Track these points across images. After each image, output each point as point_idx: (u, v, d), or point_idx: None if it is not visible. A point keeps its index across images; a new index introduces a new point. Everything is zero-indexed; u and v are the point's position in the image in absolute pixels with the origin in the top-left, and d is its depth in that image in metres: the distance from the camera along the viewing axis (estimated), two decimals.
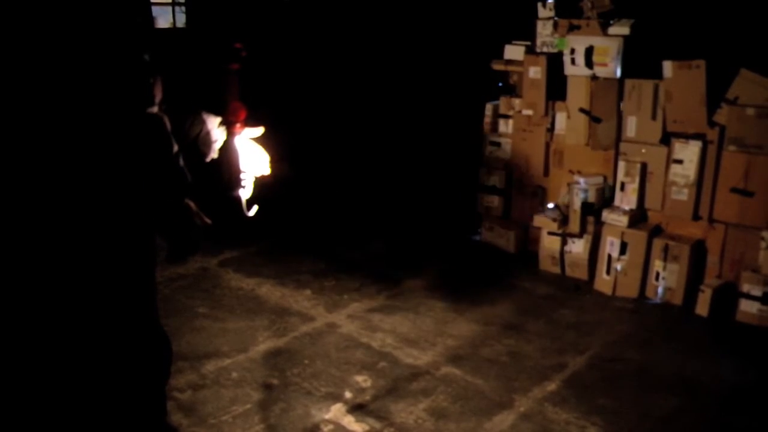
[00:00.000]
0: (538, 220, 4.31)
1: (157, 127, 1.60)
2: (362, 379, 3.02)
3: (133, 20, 1.55)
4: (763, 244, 3.55)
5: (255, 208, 1.87)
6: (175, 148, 1.66)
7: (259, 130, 1.87)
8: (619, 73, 3.96)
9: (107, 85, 1.49)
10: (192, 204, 1.78)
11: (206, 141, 1.86)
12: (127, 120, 1.52)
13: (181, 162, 1.69)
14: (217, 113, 1.86)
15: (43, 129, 1.46)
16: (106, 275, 1.62)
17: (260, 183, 1.89)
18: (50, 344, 1.63)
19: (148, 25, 1.64)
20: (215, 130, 1.87)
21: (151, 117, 1.57)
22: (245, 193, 1.85)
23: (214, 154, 1.88)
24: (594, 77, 4.07)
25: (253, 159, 1.88)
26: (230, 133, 1.82)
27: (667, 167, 3.84)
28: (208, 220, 1.82)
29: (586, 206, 4.05)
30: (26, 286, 1.56)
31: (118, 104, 1.51)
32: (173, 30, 7.39)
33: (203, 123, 1.86)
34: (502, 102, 4.68)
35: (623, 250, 3.89)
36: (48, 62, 1.44)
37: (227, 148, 1.82)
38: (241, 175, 1.84)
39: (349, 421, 2.73)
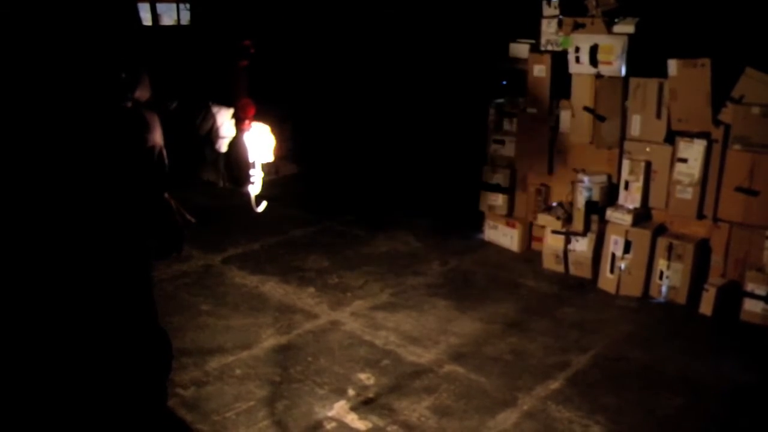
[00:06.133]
0: (542, 219, 4.30)
1: (130, 122, 1.59)
2: (365, 377, 3.02)
3: (108, 18, 1.55)
4: (767, 244, 3.54)
5: (264, 204, 1.87)
6: (154, 143, 1.65)
7: (265, 128, 1.86)
8: (623, 71, 3.95)
9: (75, 79, 1.49)
10: (173, 201, 1.78)
11: (216, 136, 1.87)
12: (94, 114, 1.52)
13: (163, 157, 1.69)
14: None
15: (9, 125, 1.46)
16: (91, 271, 1.62)
17: (266, 181, 1.89)
18: (42, 342, 1.63)
19: (127, 23, 1.63)
20: (225, 124, 1.87)
21: (124, 112, 1.57)
22: (254, 189, 1.85)
23: (222, 149, 1.87)
24: (598, 75, 4.05)
25: (260, 149, 1.88)
26: (239, 130, 1.82)
27: (672, 166, 3.83)
28: (191, 218, 1.82)
29: (590, 205, 4.04)
30: (12, 284, 1.56)
31: (86, 98, 1.51)
32: (177, 27, 7.40)
33: (213, 117, 1.86)
34: (507, 100, 4.67)
35: (627, 248, 3.88)
36: (14, 57, 1.44)
37: (236, 144, 1.82)
38: (251, 171, 1.83)
39: (352, 418, 2.73)
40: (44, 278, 1.57)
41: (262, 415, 2.74)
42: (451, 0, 6.00)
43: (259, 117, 1.83)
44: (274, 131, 1.88)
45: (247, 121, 1.81)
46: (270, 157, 1.89)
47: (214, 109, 1.87)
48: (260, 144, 1.86)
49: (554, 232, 4.21)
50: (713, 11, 3.83)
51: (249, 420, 2.71)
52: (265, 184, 1.88)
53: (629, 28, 3.91)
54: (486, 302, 3.78)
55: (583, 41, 4.04)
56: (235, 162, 1.82)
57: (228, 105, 1.85)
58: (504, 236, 4.62)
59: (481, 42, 5.28)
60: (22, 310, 1.59)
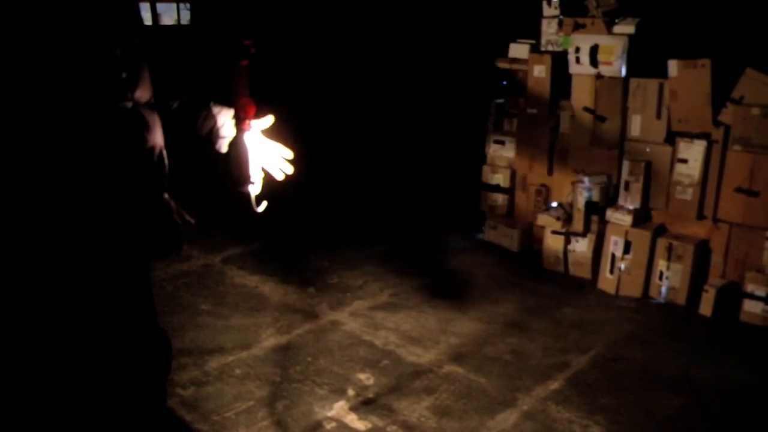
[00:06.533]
0: (542, 219, 4.30)
1: (130, 121, 1.59)
2: (365, 377, 3.02)
3: (109, 17, 1.55)
4: (767, 244, 3.54)
5: (264, 204, 1.86)
6: (154, 143, 1.64)
7: (269, 120, 1.85)
8: (623, 71, 3.95)
9: (75, 78, 1.49)
10: (172, 202, 1.78)
11: (216, 136, 1.86)
12: (94, 114, 1.52)
13: (163, 158, 1.68)
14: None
15: (8, 124, 1.45)
16: (90, 271, 1.61)
17: (267, 180, 1.88)
18: (40, 342, 1.63)
19: (127, 22, 1.62)
20: (226, 124, 1.86)
21: (123, 112, 1.57)
22: (254, 189, 1.85)
23: (222, 149, 1.87)
24: (599, 76, 4.06)
25: (270, 157, 1.88)
26: (240, 130, 1.81)
27: (672, 166, 3.84)
28: (191, 219, 1.82)
29: (590, 205, 4.05)
30: (10, 284, 1.56)
31: (85, 98, 1.51)
32: (178, 27, 7.41)
33: (214, 119, 1.86)
34: (507, 100, 4.67)
35: (627, 249, 3.88)
36: (13, 56, 1.43)
37: (236, 144, 1.82)
38: (250, 171, 1.83)
39: (351, 418, 2.73)
40: (43, 278, 1.57)
41: (262, 415, 2.74)
42: (452, 0, 6.00)
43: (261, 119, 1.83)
44: (275, 129, 1.87)
45: (247, 121, 1.80)
46: (288, 170, 1.89)
47: (215, 110, 1.86)
48: (272, 154, 1.86)
49: (554, 232, 4.21)
50: (713, 11, 3.84)
51: (249, 420, 2.71)
52: (266, 184, 1.88)
53: (629, 29, 3.91)
54: (486, 302, 3.78)
55: (584, 41, 4.04)
56: (235, 162, 1.81)
57: (228, 105, 1.85)
58: (504, 236, 4.62)
59: (481, 42, 5.27)
60: (21, 309, 1.59)
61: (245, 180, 1.83)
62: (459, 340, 3.37)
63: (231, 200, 1.83)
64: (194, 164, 1.99)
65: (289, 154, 1.90)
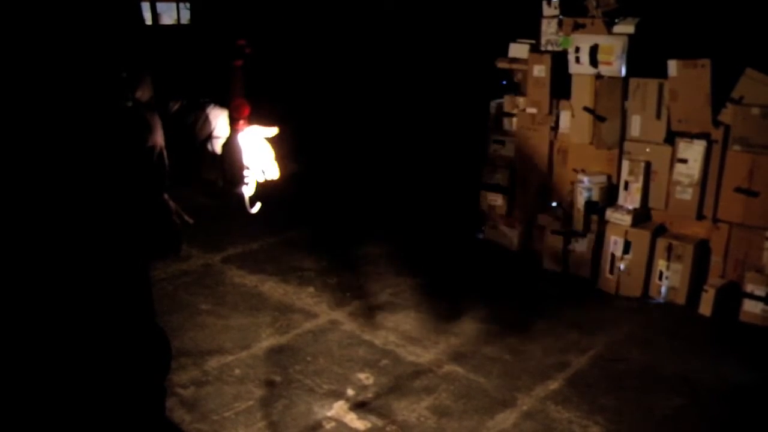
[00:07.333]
0: (542, 219, 4.30)
1: (130, 121, 1.59)
2: (364, 377, 3.02)
3: (110, 16, 1.55)
4: (767, 244, 3.54)
5: (258, 205, 1.86)
6: (154, 143, 1.64)
7: (273, 131, 1.85)
8: (623, 71, 3.95)
9: (76, 77, 1.48)
10: (171, 203, 1.78)
11: (212, 137, 1.86)
12: (94, 113, 1.52)
13: (163, 158, 1.68)
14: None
15: (7, 123, 1.45)
16: (89, 270, 1.61)
17: (265, 180, 1.88)
18: (38, 341, 1.63)
19: (128, 21, 1.62)
20: (221, 125, 1.86)
21: (124, 111, 1.57)
22: (248, 190, 1.84)
23: (217, 149, 1.87)
24: (598, 76, 4.05)
25: (261, 159, 1.87)
26: (234, 130, 1.81)
27: (672, 166, 3.84)
28: (190, 219, 1.81)
29: (589, 205, 4.04)
30: (8, 283, 1.56)
31: (86, 97, 1.51)
32: (177, 27, 7.41)
33: (211, 122, 1.86)
34: (507, 100, 4.67)
35: (627, 249, 3.88)
36: (14, 55, 1.43)
37: (230, 145, 1.81)
38: (245, 172, 1.82)
39: (351, 418, 2.73)
40: (41, 277, 1.57)
41: (261, 415, 2.74)
42: (451, 0, 6.00)
43: (259, 118, 1.83)
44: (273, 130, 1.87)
45: (241, 122, 1.79)
46: (275, 173, 1.88)
47: (213, 114, 1.86)
48: (259, 154, 1.85)
49: (554, 232, 4.21)
50: (713, 11, 3.83)
51: (248, 420, 2.71)
52: (265, 184, 1.87)
53: (629, 29, 3.91)
54: (486, 302, 3.78)
55: (583, 41, 4.04)
56: (229, 162, 1.81)
57: (223, 106, 1.84)
58: (504, 236, 4.62)
59: (481, 42, 5.28)
60: (19, 308, 1.59)
61: (238, 180, 1.82)
62: (458, 339, 3.37)
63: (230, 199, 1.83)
64: (193, 165, 1.99)
65: (275, 131, 1.88)
